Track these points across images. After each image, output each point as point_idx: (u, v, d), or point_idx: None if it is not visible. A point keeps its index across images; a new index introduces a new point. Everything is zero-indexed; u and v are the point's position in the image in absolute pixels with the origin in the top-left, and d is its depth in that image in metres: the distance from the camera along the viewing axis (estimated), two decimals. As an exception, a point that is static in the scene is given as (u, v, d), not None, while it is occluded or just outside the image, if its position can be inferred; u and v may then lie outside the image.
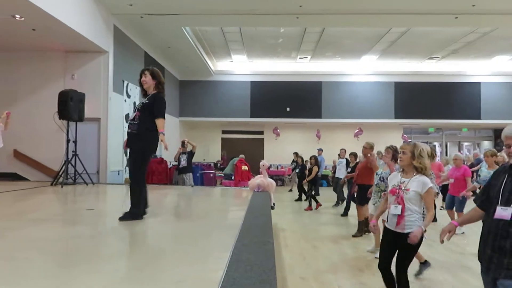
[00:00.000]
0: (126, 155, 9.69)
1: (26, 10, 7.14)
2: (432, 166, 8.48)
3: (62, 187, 7.95)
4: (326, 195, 12.92)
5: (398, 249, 3.48)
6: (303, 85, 17.52)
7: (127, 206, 4.28)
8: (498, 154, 6.79)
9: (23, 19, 7.59)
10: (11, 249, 3.10)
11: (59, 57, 9.79)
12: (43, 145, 9.52)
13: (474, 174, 8.35)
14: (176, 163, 9.71)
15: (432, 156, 4.49)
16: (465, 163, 9.27)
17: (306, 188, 11.50)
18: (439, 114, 17.48)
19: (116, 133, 10.03)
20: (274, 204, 6.89)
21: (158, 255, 3.06)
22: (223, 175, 13.65)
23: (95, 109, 9.53)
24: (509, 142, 2.50)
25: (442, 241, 2.71)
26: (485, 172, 6.50)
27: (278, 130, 18.62)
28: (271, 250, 2.79)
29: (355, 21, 10.71)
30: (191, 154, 9.39)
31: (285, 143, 18.39)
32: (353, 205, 9.52)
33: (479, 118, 17.42)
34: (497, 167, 4.31)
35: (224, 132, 19.28)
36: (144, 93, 4.51)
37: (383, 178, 5.50)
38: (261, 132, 19.22)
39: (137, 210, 4.24)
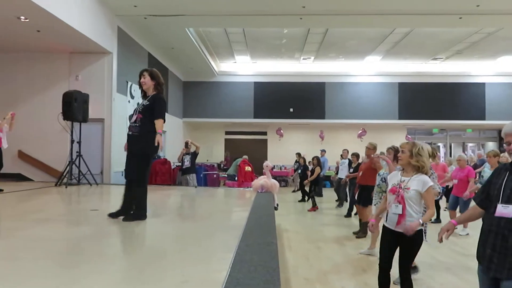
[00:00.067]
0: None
1: (30, 12, 7.18)
2: (436, 168, 8.51)
3: (66, 187, 7.98)
4: (330, 196, 12.90)
5: (399, 249, 3.46)
6: (306, 86, 17.50)
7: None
8: (501, 154, 6.73)
9: (27, 20, 7.63)
10: (15, 249, 3.12)
11: (63, 58, 9.84)
12: (48, 146, 9.57)
13: (477, 175, 8.31)
14: (180, 164, 9.73)
15: (433, 155, 4.48)
16: (468, 163, 9.21)
17: (307, 188, 11.49)
18: (443, 115, 17.41)
19: (120, 134, 10.06)
20: (277, 204, 6.88)
21: (162, 256, 3.07)
22: (226, 176, 13.66)
23: (99, 110, 9.57)
24: (509, 140, 2.49)
25: (440, 240, 2.69)
26: (488, 173, 6.47)
27: (282, 131, 18.61)
28: (274, 250, 2.79)
29: (359, 22, 10.68)
30: (194, 155, 9.41)
31: (289, 143, 18.38)
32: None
33: (483, 119, 17.33)
34: None
35: (227, 133, 19.29)
36: (143, 94, 4.49)
37: (384, 178, 5.49)
38: (265, 133, 19.22)
39: (141, 211, 4.25)
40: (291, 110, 17.58)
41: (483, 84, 17.48)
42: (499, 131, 19.23)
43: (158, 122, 4.22)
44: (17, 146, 9.29)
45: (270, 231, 3.50)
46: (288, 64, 17.04)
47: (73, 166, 8.35)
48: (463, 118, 17.41)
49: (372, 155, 6.74)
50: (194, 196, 7.67)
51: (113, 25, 9.76)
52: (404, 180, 3.39)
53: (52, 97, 9.34)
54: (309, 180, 10.86)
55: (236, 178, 11.51)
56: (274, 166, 15.66)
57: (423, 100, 17.39)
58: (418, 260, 4.89)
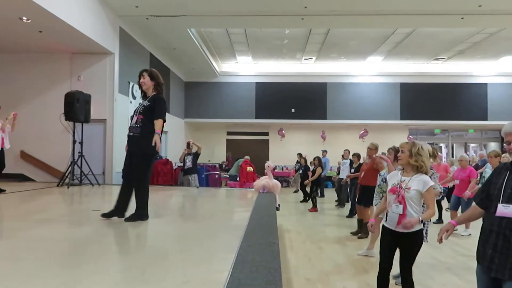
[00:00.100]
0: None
1: (33, 12, 7.20)
2: (438, 168, 8.48)
3: (68, 188, 8.00)
4: (332, 196, 12.89)
5: (400, 249, 3.45)
6: (308, 86, 17.50)
7: (132, 207, 4.30)
8: (503, 155, 6.71)
9: (30, 21, 7.66)
10: (17, 249, 3.12)
11: (65, 59, 9.86)
12: (50, 146, 9.59)
13: (479, 175, 8.29)
14: (181, 164, 9.74)
15: (433, 155, 4.47)
16: (470, 164, 9.19)
17: (308, 189, 11.48)
18: (445, 115, 17.39)
19: (122, 134, 10.05)
20: (279, 205, 6.88)
21: (163, 256, 3.07)
22: (228, 176, 13.67)
23: (101, 110, 9.59)
24: (510, 139, 2.48)
25: (440, 241, 2.68)
26: (490, 173, 6.43)
27: (283, 131, 18.61)
28: (276, 251, 2.79)
29: (361, 22, 10.68)
30: (196, 155, 9.41)
31: (290, 144, 18.38)
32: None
33: (485, 119, 17.29)
34: None
35: (229, 133, 19.30)
36: (143, 94, 4.49)
37: (385, 179, 5.48)
38: (266, 133, 19.22)
39: (143, 211, 4.25)
40: (293, 110, 17.58)
41: (485, 84, 17.45)
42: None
43: (157, 123, 4.22)
44: (19, 146, 9.32)
45: (271, 232, 3.50)
46: (290, 65, 17.04)
47: (75, 166, 8.37)
48: (465, 119, 17.38)
49: (374, 155, 6.73)
50: (195, 197, 7.68)
51: (115, 25, 9.78)
52: (404, 180, 3.38)
53: (54, 97, 9.37)
54: (310, 180, 10.85)
55: (237, 179, 11.52)
56: (275, 166, 15.68)
57: (425, 101, 17.37)
58: (419, 260, 4.88)
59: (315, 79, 17.43)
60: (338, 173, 12.02)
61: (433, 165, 7.78)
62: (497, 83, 17.38)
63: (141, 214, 4.24)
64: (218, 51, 15.38)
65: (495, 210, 2.35)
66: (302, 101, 17.53)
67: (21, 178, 9.60)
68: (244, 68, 17.49)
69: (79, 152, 8.47)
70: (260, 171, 10.64)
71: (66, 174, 8.30)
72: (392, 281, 4.34)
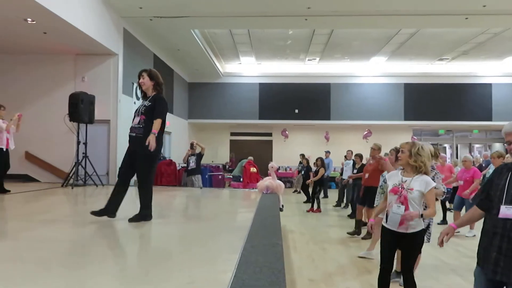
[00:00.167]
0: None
1: (37, 14, 7.23)
2: (442, 169, 8.45)
3: (72, 188, 8.03)
4: (336, 197, 12.84)
5: (401, 249, 3.44)
6: (311, 87, 17.48)
7: (136, 208, 4.31)
8: (506, 155, 6.65)
9: (34, 22, 7.69)
10: (21, 250, 3.14)
11: (69, 60, 9.90)
12: (54, 147, 9.63)
13: (482, 176, 8.25)
14: (185, 165, 9.75)
15: (435, 155, 4.44)
16: (474, 164, 9.15)
17: (310, 189, 11.45)
18: (450, 116, 17.32)
19: (126, 135, 10.00)
20: (282, 206, 6.87)
21: (167, 257, 3.08)
22: (231, 177, 13.67)
23: (105, 111, 9.62)
24: (510, 139, 2.45)
25: (441, 244, 2.65)
26: None
27: (287, 132, 18.59)
28: (280, 252, 2.78)
29: (364, 23, 10.66)
30: (199, 156, 9.42)
31: (294, 145, 18.36)
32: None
33: (490, 119, 17.20)
34: None
35: (232, 134, 19.31)
36: (143, 94, 4.48)
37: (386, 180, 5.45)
38: (270, 134, 19.22)
39: (146, 212, 4.26)
40: (296, 111, 17.56)
41: (490, 84, 17.37)
42: (506, 132, 19.31)
43: (155, 122, 4.19)
44: (24, 147, 9.36)
45: (275, 232, 3.49)
46: (293, 65, 17.03)
47: (79, 167, 8.40)
48: (469, 119, 17.30)
49: (377, 156, 6.71)
50: (199, 197, 7.68)
51: (118, 26, 9.82)
52: (406, 181, 3.35)
53: (58, 98, 9.41)
54: (312, 180, 10.83)
55: (241, 179, 11.52)
56: (279, 167, 15.67)
57: (429, 101, 17.30)
58: (423, 261, 4.87)
59: (318, 80, 17.41)
60: (341, 174, 12.00)
61: (437, 166, 7.75)
62: (502, 83, 17.29)
63: (145, 214, 4.24)
64: (222, 52, 15.39)
65: (498, 211, 2.31)
66: (306, 102, 17.51)
67: (25, 178, 9.64)
68: (248, 69, 17.49)
69: (83, 153, 8.50)
70: (263, 172, 10.64)
71: (70, 175, 8.34)
72: (396, 283, 4.34)
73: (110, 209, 4.24)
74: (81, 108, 8.27)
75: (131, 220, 4.17)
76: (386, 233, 3.47)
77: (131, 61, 10.40)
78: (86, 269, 2.67)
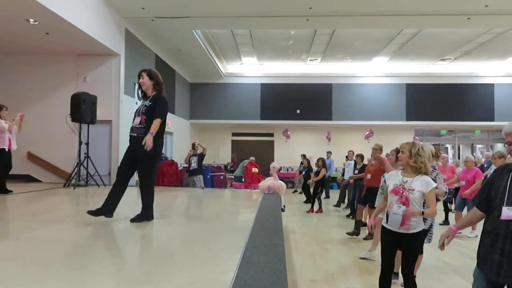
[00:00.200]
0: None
1: (40, 14, 7.25)
2: (444, 169, 8.42)
3: (74, 188, 8.04)
4: (337, 198, 12.83)
5: (402, 250, 3.42)
6: (313, 87, 17.47)
7: (138, 208, 4.31)
8: (508, 156, 6.61)
9: (36, 23, 7.71)
10: (23, 250, 3.14)
11: (71, 60, 9.92)
12: (56, 148, 9.64)
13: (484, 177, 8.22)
14: (187, 165, 9.76)
15: (436, 156, 4.42)
16: (476, 165, 9.10)
17: (311, 189, 11.44)
18: (452, 116, 17.28)
19: (128, 135, 10.10)
20: (284, 206, 6.87)
21: (169, 257, 3.08)
22: (233, 177, 13.69)
23: (107, 111, 9.63)
24: (510, 140, 2.43)
25: (442, 247, 2.63)
26: None
27: (288, 132, 18.59)
28: (281, 252, 2.78)
29: (366, 23, 10.64)
30: (201, 156, 9.42)
31: (295, 145, 18.35)
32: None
33: (492, 120, 17.15)
34: None
35: (234, 134, 19.31)
36: (143, 94, 4.46)
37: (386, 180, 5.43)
38: (271, 135, 19.21)
39: (148, 212, 4.26)
40: (298, 111, 17.56)
41: (492, 85, 17.33)
42: (508, 132, 19.39)
43: (154, 122, 4.17)
44: (26, 147, 9.38)
45: (277, 233, 3.49)
46: (295, 66, 17.02)
47: (81, 167, 8.41)
48: (471, 119, 17.26)
49: (378, 156, 6.70)
50: (201, 198, 7.69)
51: (120, 27, 9.83)
52: (407, 181, 3.34)
53: (60, 99, 9.42)
54: (314, 180, 10.82)
55: (243, 180, 11.54)
56: (281, 167, 15.66)
57: (431, 101, 17.27)
58: (425, 262, 4.86)
59: (320, 80, 17.40)
60: (343, 174, 11.99)
61: (439, 166, 7.73)
62: (504, 83, 17.25)
63: (147, 214, 4.24)
64: (223, 52, 15.40)
65: (500, 213, 2.28)
66: (308, 102, 17.50)
67: (27, 179, 9.66)
68: (249, 69, 17.50)
69: (85, 153, 8.51)
70: (265, 172, 10.65)
71: (72, 175, 8.35)
72: (394, 284, 4.32)
73: (108, 209, 4.19)
74: (83, 109, 8.28)
75: (132, 220, 4.17)
76: (386, 233, 3.45)
77: (133, 61, 10.42)
78: (87, 269, 2.67)
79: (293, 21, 10.63)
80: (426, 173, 3.35)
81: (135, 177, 4.48)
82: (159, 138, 4.30)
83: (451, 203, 9.11)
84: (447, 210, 8.90)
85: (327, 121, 17.64)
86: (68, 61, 9.91)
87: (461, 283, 4.70)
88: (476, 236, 7.18)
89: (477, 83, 17.34)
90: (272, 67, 17.27)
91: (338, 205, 11.56)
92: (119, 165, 4.42)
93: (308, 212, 10.34)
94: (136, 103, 10.70)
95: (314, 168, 11.39)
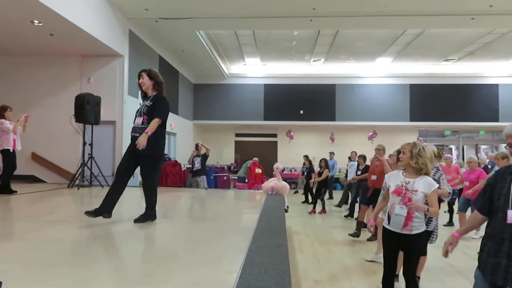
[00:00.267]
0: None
1: (44, 16, 7.29)
2: (449, 170, 8.38)
3: (78, 189, 8.06)
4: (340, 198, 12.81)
5: (404, 251, 3.41)
6: (316, 88, 17.46)
7: (141, 208, 4.32)
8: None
9: (41, 24, 7.75)
10: (27, 250, 3.16)
11: (75, 61, 9.97)
12: (60, 148, 9.68)
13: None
14: (190, 166, 9.77)
15: (439, 156, 4.40)
16: (479, 165, 9.04)
17: (313, 190, 11.43)
18: (456, 117, 17.21)
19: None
20: (287, 207, 6.85)
21: (172, 257, 3.08)
22: (236, 178, 13.68)
23: (111, 112, 9.66)
24: (511, 141, 2.40)
25: (445, 255, 2.60)
26: None
27: (292, 133, 18.58)
28: (285, 253, 2.78)
29: (369, 23, 10.63)
30: (204, 157, 9.43)
31: (299, 146, 18.33)
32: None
33: (496, 120, 17.07)
34: None
35: (237, 135, 19.32)
36: (144, 95, 4.45)
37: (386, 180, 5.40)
38: (275, 135, 19.20)
39: (151, 212, 4.26)
40: (301, 112, 17.54)
41: (496, 85, 17.25)
42: (513, 133, 19.28)
43: (153, 122, 4.13)
44: (30, 148, 9.42)
45: (280, 233, 3.49)
46: (298, 66, 17.02)
47: (85, 168, 8.44)
48: (475, 120, 17.18)
49: (379, 157, 6.68)
50: (204, 198, 7.69)
51: (124, 28, 9.86)
52: (409, 182, 3.32)
53: (64, 99, 9.47)
54: (316, 180, 10.80)
55: (246, 180, 11.53)
56: (284, 168, 15.66)
57: (435, 102, 17.22)
58: (429, 264, 4.83)
59: (323, 81, 17.38)
60: (346, 175, 11.97)
61: (443, 167, 7.69)
62: (509, 84, 17.16)
63: (150, 214, 4.25)
64: (227, 53, 15.42)
65: (504, 216, 2.24)
66: (311, 103, 17.48)
67: (32, 179, 9.70)
68: (253, 70, 17.50)
69: (89, 154, 8.53)
70: (268, 173, 10.63)
71: (76, 176, 8.37)
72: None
73: (106, 209, 4.12)
74: (87, 109, 8.31)
75: (136, 220, 4.17)
76: (388, 235, 3.43)
77: (136, 62, 10.44)
78: (91, 269, 2.68)
79: (296, 22, 10.63)
80: (427, 174, 3.34)
81: (139, 178, 4.48)
82: (161, 138, 4.29)
83: (453, 204, 9.05)
84: (451, 211, 8.85)
85: (330, 121, 17.61)
86: (72, 62, 9.95)
87: (466, 285, 4.67)
88: (481, 237, 7.13)
89: (481, 83, 17.27)
90: (275, 67, 17.27)
91: (339, 205, 11.55)
92: (118, 165, 4.36)
93: (310, 212, 10.33)
94: (140, 104, 10.72)
95: (317, 169, 11.38)
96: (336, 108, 17.56)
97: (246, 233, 3.51)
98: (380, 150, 6.89)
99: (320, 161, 10.97)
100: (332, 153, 14.18)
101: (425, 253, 4.30)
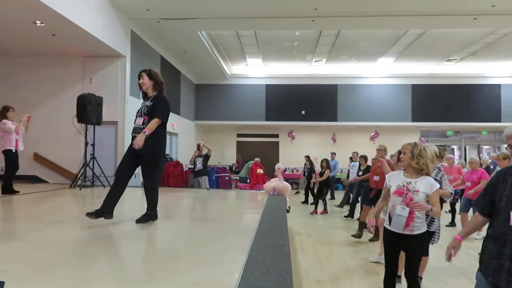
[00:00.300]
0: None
1: (46, 16, 7.31)
2: (451, 170, 8.35)
3: (80, 189, 8.08)
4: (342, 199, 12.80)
5: (405, 252, 3.40)
6: (318, 88, 17.45)
7: (143, 209, 4.32)
8: None
9: (43, 25, 7.77)
10: (30, 250, 3.16)
11: (77, 62, 9.99)
12: (62, 148, 9.71)
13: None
14: (192, 166, 9.77)
15: (440, 156, 4.38)
16: (481, 165, 9.02)
17: (314, 191, 11.42)
18: (458, 117, 17.18)
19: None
20: (289, 207, 6.86)
21: (174, 257, 3.08)
22: (238, 178, 13.68)
23: (113, 112, 9.68)
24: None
25: (449, 259, 2.58)
26: None
27: (293, 133, 18.57)
28: (287, 253, 2.78)
29: (371, 23, 10.61)
30: (206, 157, 9.44)
31: (300, 146, 18.32)
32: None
33: (499, 121, 17.02)
34: None
35: (239, 135, 19.32)
36: (144, 95, 4.45)
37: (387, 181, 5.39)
38: (276, 136, 19.20)
39: (153, 212, 4.27)
40: (303, 112, 17.54)
41: (499, 85, 17.21)
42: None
43: (152, 122, 4.12)
44: (32, 148, 9.45)
45: (282, 234, 3.49)
46: (300, 67, 17.01)
47: (87, 168, 8.45)
48: (478, 120, 17.14)
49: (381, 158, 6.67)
50: (206, 198, 7.69)
51: (126, 29, 9.88)
52: (410, 182, 3.31)
53: (66, 100, 9.49)
54: (317, 180, 10.80)
55: (248, 181, 11.52)
56: (286, 168, 15.64)
57: (437, 102, 17.19)
58: (431, 264, 4.82)
59: (325, 81, 17.38)
60: (348, 176, 11.95)
61: (445, 167, 7.68)
62: (511, 84, 17.12)
63: (151, 214, 4.26)
64: (228, 53, 15.43)
65: (506, 218, 2.21)
66: (313, 103, 17.48)
67: (34, 179, 9.73)
68: (254, 70, 17.51)
69: (91, 154, 8.55)
70: (270, 173, 10.62)
71: (78, 176, 8.39)
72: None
73: (107, 210, 4.10)
74: (89, 110, 8.32)
75: (138, 221, 4.18)
76: (389, 235, 3.43)
77: (138, 62, 10.46)
78: (93, 269, 2.68)
79: (298, 22, 10.62)
80: (427, 174, 3.33)
81: (141, 178, 4.48)
82: (161, 138, 4.29)
83: (455, 204, 9.04)
84: (453, 212, 8.84)
85: (332, 122, 17.60)
86: (74, 62, 9.98)
87: (468, 286, 4.66)
88: (483, 237, 7.12)
89: (484, 83, 17.23)
90: (277, 68, 17.27)
91: (341, 206, 11.54)
92: (118, 165, 4.34)
93: (312, 213, 10.32)
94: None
95: (319, 169, 11.37)
96: (338, 108, 17.55)
97: (247, 233, 3.51)
98: (382, 150, 6.88)
99: (322, 161, 10.97)
100: (333, 154, 14.16)
101: (426, 254, 4.30)
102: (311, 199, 12.32)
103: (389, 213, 3.43)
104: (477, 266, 2.46)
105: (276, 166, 7.02)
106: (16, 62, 10.04)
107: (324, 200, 10.50)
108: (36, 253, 3.03)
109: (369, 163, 8.58)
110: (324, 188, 10.59)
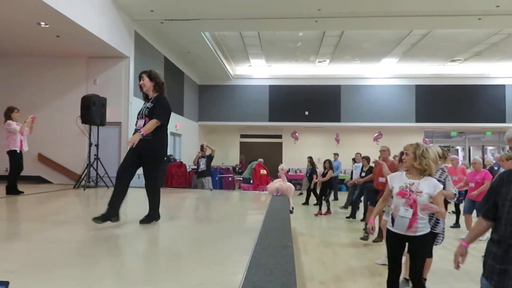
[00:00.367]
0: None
1: (51, 18, 7.34)
2: (455, 171, 8.31)
3: (84, 190, 8.10)
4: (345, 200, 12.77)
5: (409, 253, 3.37)
6: (322, 89, 17.43)
7: (146, 209, 4.32)
8: None
9: (48, 26, 7.81)
10: (34, 250, 3.17)
11: (81, 63, 10.03)
12: (66, 149, 9.75)
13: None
14: (195, 167, 9.78)
15: (443, 157, 4.35)
16: (485, 166, 8.96)
17: (317, 192, 11.39)
18: (462, 118, 17.10)
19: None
20: (292, 208, 6.85)
21: (178, 258, 3.08)
22: (241, 179, 13.69)
23: (117, 113, 9.71)
24: None
25: (457, 267, 2.55)
26: None
27: (297, 134, 18.55)
28: (290, 254, 2.77)
29: (375, 24, 10.59)
30: (210, 158, 9.44)
31: (304, 147, 18.30)
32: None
33: (503, 121, 16.93)
34: None
35: (242, 136, 19.32)
36: (145, 96, 4.44)
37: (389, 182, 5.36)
38: (280, 136, 19.19)
39: (155, 213, 4.27)
40: (306, 113, 17.52)
41: (503, 86, 17.13)
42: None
43: (150, 122, 4.10)
44: (37, 149, 9.48)
45: (285, 235, 3.48)
46: (303, 67, 17.00)
47: (91, 168, 8.48)
48: (482, 121, 17.06)
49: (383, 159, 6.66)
50: (209, 199, 7.69)
51: (130, 30, 9.91)
52: (413, 183, 3.28)
53: (70, 101, 9.53)
54: (320, 181, 10.77)
55: (251, 181, 11.53)
56: (289, 169, 15.61)
57: (441, 103, 17.12)
58: (436, 266, 4.80)
59: (329, 82, 17.35)
60: (351, 177, 11.91)
61: (449, 168, 7.64)
62: (516, 84, 17.05)
63: (153, 215, 4.27)
64: (232, 54, 15.44)
65: (511, 222, 2.18)
66: (316, 104, 17.45)
67: (38, 180, 9.77)
68: (258, 71, 17.51)
69: (95, 155, 8.58)
70: (273, 174, 10.63)
71: (82, 177, 8.42)
72: None
73: (113, 213, 4.07)
74: (93, 111, 8.35)
75: (141, 221, 4.19)
76: (392, 236, 3.40)
77: (142, 63, 10.48)
78: (96, 269, 2.69)
79: (301, 23, 10.61)
80: (430, 175, 3.31)
81: (143, 179, 4.49)
82: (162, 139, 4.29)
83: (460, 205, 8.98)
84: (458, 213, 8.79)
85: (335, 122, 17.58)
86: (79, 63, 10.02)
87: (472, 287, 4.64)
88: (487, 238, 7.07)
89: (488, 84, 17.15)
90: (280, 68, 17.26)
91: (345, 207, 11.50)
92: (119, 166, 4.32)
93: (316, 214, 10.29)
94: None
95: (321, 170, 11.36)
96: (341, 109, 17.52)
97: (251, 234, 3.50)
98: (385, 151, 6.86)
99: (324, 162, 10.96)
100: (336, 154, 14.12)
101: (430, 255, 4.27)
102: (312, 200, 12.31)
103: (392, 215, 3.41)
104: (481, 267, 2.44)
105: (280, 167, 7.02)
106: (21, 63, 10.09)
107: (327, 201, 10.48)
108: (40, 254, 3.04)
109: (372, 164, 8.56)
110: (327, 189, 10.57)
